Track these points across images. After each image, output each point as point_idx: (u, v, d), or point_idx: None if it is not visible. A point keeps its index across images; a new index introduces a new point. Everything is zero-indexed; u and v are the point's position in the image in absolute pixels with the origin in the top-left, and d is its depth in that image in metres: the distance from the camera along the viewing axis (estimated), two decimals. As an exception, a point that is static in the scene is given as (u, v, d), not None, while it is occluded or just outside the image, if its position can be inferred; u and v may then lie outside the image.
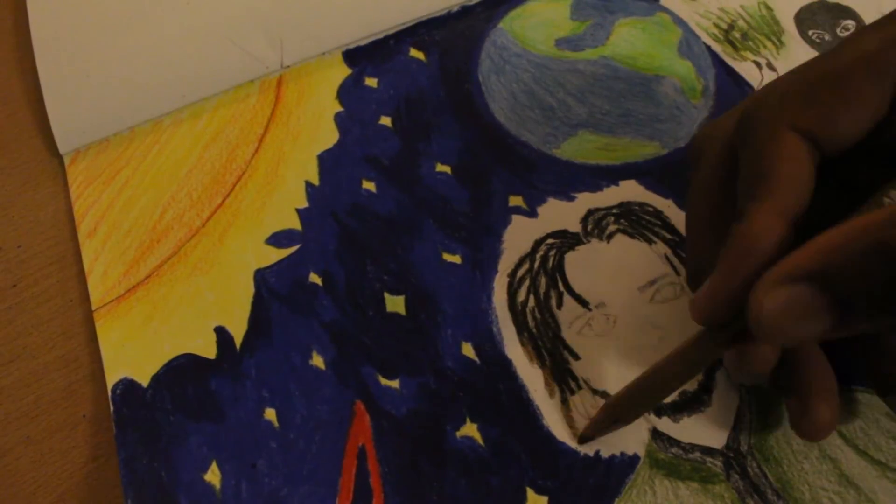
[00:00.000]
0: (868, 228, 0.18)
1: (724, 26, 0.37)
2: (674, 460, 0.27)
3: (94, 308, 0.31)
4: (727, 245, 0.22)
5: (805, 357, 0.25)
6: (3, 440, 0.29)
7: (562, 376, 0.29)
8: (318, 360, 0.29)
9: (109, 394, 0.29)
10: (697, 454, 0.27)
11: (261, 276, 0.32)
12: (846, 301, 0.18)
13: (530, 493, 0.27)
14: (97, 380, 0.30)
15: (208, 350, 0.30)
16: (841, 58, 0.22)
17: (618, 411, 0.26)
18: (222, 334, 0.30)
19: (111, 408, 0.29)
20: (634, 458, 0.27)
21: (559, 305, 0.30)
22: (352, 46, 0.38)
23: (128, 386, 0.29)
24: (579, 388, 0.28)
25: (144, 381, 0.29)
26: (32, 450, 0.29)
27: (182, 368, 0.30)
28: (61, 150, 0.35)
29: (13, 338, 0.31)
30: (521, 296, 0.30)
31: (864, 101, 0.21)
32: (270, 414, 0.29)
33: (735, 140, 0.24)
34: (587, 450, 0.27)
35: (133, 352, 0.30)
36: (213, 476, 0.27)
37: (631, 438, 0.27)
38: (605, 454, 0.27)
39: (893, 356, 0.25)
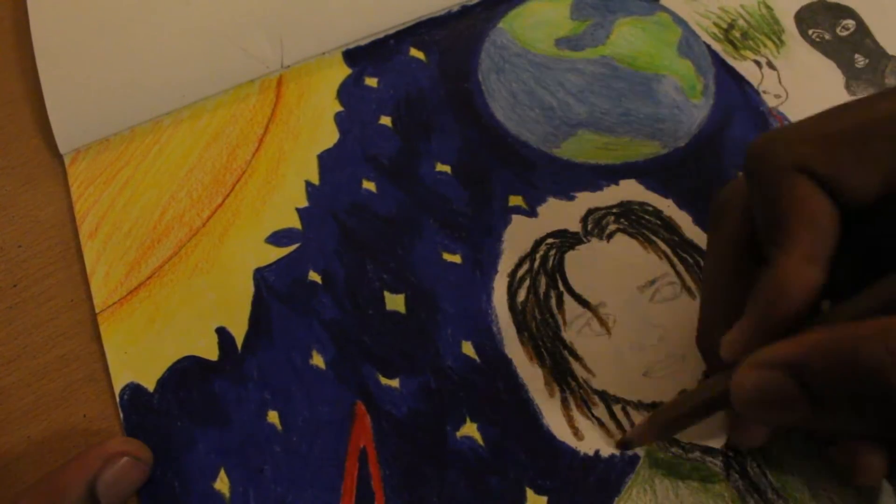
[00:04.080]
0: (851, 339, 0.19)
1: (725, 25, 0.37)
2: (674, 460, 0.27)
3: (97, 311, 0.31)
4: (756, 292, 0.22)
5: None
6: (3, 440, 0.29)
7: (561, 376, 0.29)
8: (318, 360, 0.29)
9: (117, 399, 0.29)
10: (697, 454, 0.27)
11: (260, 274, 0.32)
12: (819, 398, 0.19)
13: (530, 493, 0.27)
14: (97, 380, 0.30)
15: (210, 352, 0.30)
16: (857, 115, 0.22)
17: (655, 428, 0.27)
18: (224, 335, 0.30)
19: (120, 414, 0.29)
20: (634, 458, 0.27)
21: (559, 305, 0.30)
22: (352, 46, 0.38)
23: (134, 391, 0.29)
24: (579, 387, 0.28)
25: (150, 386, 0.29)
26: (32, 450, 0.29)
27: (186, 371, 0.30)
28: (62, 149, 0.35)
29: (13, 338, 0.31)
30: (521, 295, 0.30)
31: (877, 160, 0.21)
32: (273, 416, 0.29)
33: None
34: (587, 449, 0.27)
35: (137, 355, 0.30)
36: (221, 484, 0.27)
37: (631, 438, 0.27)
38: (604, 453, 0.27)
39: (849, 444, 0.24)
